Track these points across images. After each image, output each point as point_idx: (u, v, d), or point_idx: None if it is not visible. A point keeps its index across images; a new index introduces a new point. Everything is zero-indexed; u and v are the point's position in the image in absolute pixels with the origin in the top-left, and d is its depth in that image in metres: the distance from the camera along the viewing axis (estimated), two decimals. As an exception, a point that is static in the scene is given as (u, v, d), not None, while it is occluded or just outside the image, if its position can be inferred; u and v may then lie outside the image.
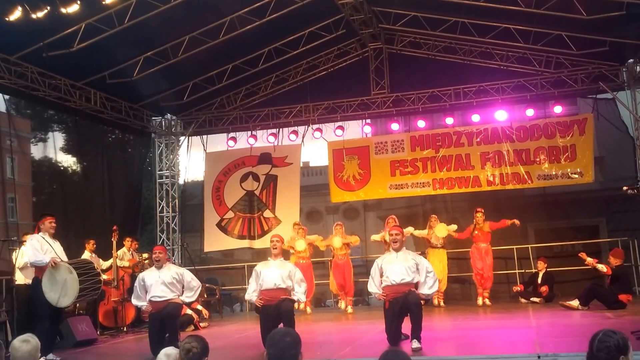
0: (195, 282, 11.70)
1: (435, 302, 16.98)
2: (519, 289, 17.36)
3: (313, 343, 11.33)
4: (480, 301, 16.79)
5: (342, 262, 17.41)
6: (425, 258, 16.92)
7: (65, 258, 11.70)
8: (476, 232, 16.81)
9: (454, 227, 17.32)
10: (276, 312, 10.88)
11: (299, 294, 11.21)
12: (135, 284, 11.79)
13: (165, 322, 11.13)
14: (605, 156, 21.06)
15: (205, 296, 18.32)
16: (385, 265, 10.65)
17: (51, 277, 11.18)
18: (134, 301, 11.80)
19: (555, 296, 16.80)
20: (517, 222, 16.50)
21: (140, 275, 11.78)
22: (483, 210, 16.84)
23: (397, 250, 10.73)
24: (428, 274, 10.51)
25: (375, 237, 17.54)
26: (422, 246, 18.30)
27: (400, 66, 19.68)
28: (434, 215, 17.72)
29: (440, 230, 17.10)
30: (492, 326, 13.17)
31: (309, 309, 17.70)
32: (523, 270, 18.33)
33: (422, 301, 10.75)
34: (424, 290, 10.50)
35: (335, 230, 17.64)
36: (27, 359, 5.75)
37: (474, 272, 16.99)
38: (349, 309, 17.34)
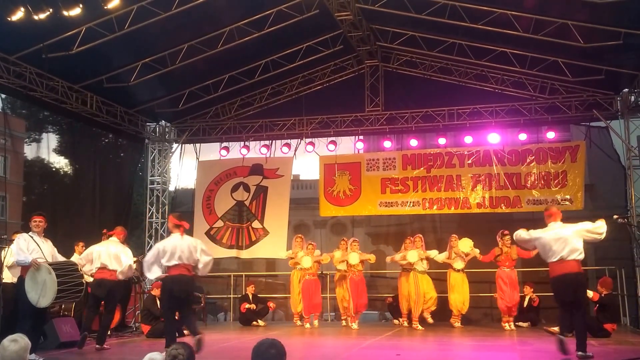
0: None
1: (457, 323, 16.64)
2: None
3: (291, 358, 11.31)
4: (507, 326, 15.94)
5: (357, 279, 16.84)
6: (447, 282, 16.78)
7: (54, 258, 11.70)
8: (501, 257, 16.06)
9: (477, 251, 16.67)
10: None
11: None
12: None
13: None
14: (595, 184, 21.15)
15: (190, 304, 18.32)
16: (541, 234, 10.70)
17: (33, 277, 11.16)
18: None
19: (540, 321, 16.83)
20: None
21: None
22: (509, 233, 15.65)
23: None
24: None
25: (396, 257, 17.12)
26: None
27: (395, 84, 19.78)
28: (454, 235, 17.06)
29: (464, 244, 16.62)
30: (476, 349, 13.17)
31: (316, 322, 17.42)
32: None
33: None
34: None
35: (352, 246, 17.10)
36: (14, 359, 5.74)
37: (499, 297, 16.13)
38: (354, 325, 16.79)
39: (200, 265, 11.64)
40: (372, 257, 17.36)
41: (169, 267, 11.52)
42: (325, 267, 18.64)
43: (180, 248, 11.45)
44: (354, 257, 16.78)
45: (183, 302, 11.64)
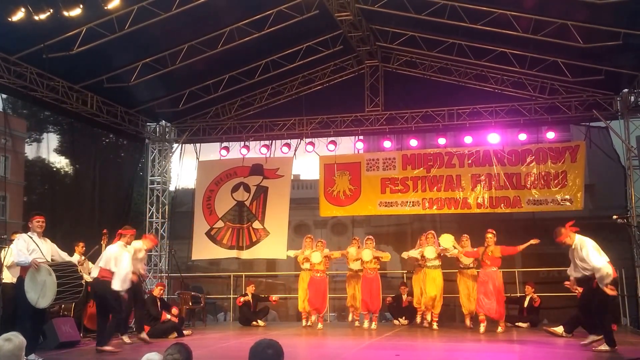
0: None
1: (468, 323, 16.28)
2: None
3: (290, 358, 11.30)
4: (500, 329, 15.39)
5: (371, 277, 16.76)
6: (456, 280, 16.61)
7: (58, 256, 11.72)
8: (484, 257, 15.47)
9: (457, 250, 16.17)
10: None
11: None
12: None
13: None
14: (596, 184, 21.15)
15: (190, 304, 18.31)
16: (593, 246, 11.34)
17: (33, 277, 11.16)
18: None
19: (541, 322, 16.80)
20: (534, 241, 14.87)
21: None
22: (494, 232, 15.67)
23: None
24: None
25: (412, 253, 16.95)
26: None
27: (395, 84, 19.80)
28: (465, 235, 16.46)
29: (445, 240, 16.20)
30: (476, 349, 13.16)
31: (320, 325, 16.87)
32: (509, 295, 18.25)
33: None
34: None
35: (366, 244, 17.00)
36: (9, 358, 5.70)
37: (477, 297, 15.57)
38: (373, 325, 16.70)
39: (114, 278, 12.30)
40: (385, 255, 17.20)
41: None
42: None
43: (106, 253, 12.58)
44: (367, 254, 16.70)
45: (102, 304, 12.60)
